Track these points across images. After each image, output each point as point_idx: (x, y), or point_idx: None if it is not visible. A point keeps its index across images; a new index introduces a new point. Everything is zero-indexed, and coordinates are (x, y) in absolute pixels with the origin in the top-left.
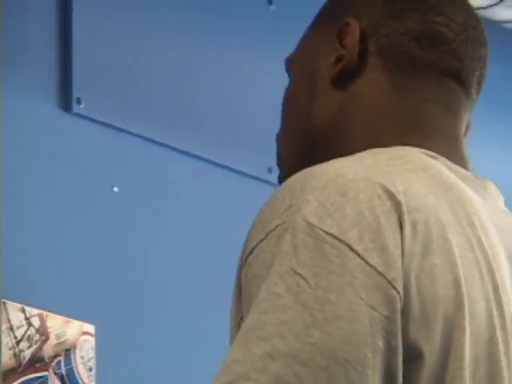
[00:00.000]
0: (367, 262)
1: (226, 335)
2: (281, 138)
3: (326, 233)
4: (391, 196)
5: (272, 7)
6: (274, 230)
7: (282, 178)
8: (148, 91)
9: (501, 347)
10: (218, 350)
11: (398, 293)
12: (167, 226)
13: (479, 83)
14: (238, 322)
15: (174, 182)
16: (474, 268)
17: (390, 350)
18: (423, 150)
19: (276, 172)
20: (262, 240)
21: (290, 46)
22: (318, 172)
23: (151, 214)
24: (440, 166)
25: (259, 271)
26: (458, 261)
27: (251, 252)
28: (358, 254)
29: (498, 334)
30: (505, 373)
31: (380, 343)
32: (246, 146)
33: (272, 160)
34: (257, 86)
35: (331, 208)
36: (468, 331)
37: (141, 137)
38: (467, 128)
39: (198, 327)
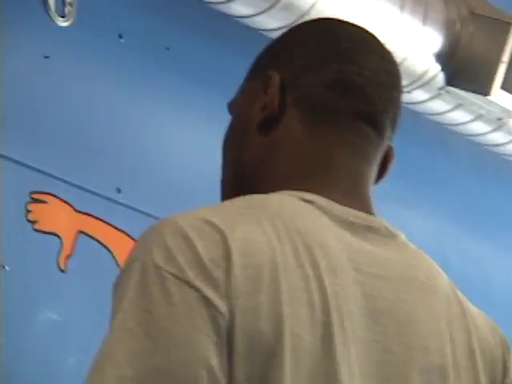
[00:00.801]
0: (204, 296)
1: None
2: (223, 170)
3: (169, 273)
4: (226, 243)
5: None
6: (132, 265)
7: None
8: None
9: (331, 375)
10: None
11: (227, 325)
12: None
13: (393, 121)
14: None
15: None
16: (304, 307)
17: (222, 370)
18: (301, 194)
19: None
20: (124, 271)
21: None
22: (172, 219)
23: None
24: (310, 210)
25: (115, 298)
26: (286, 300)
27: (118, 276)
28: (197, 289)
29: (326, 365)
30: None
31: (214, 363)
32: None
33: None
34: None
35: (175, 252)
36: (288, 364)
37: None
38: (386, 162)
39: None
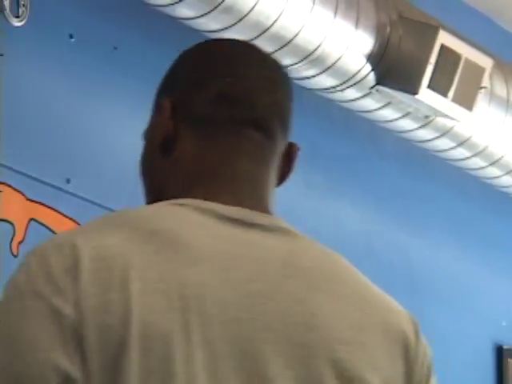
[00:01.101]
0: (51, 304)
1: None
2: (144, 194)
3: (26, 287)
4: (76, 254)
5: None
6: (6, 287)
7: None
8: None
9: (178, 360)
10: None
11: (75, 326)
12: None
13: (283, 122)
14: None
15: None
16: (159, 297)
17: (72, 366)
18: (180, 201)
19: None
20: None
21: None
22: (40, 245)
23: None
24: (178, 212)
25: None
26: (138, 293)
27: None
28: (46, 300)
29: (178, 349)
30: (179, 380)
31: (61, 362)
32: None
33: None
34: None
35: (34, 268)
36: (136, 349)
37: None
38: (289, 159)
39: None
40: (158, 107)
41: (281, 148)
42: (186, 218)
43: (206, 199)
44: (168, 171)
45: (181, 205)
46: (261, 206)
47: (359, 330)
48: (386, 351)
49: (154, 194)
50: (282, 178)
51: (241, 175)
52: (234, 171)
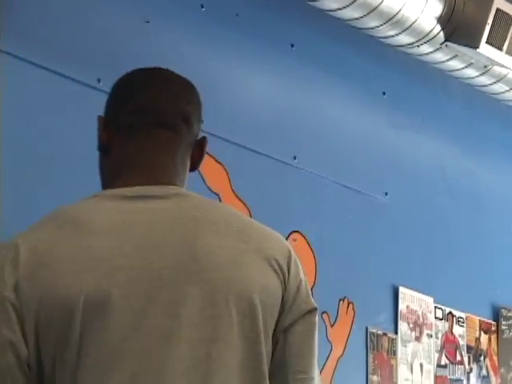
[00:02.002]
0: (1, 295)
1: None
2: None
3: None
4: (17, 250)
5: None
6: None
7: None
8: None
9: (112, 303)
10: None
11: (11, 304)
12: None
13: (186, 120)
14: None
15: None
16: (73, 265)
17: (20, 340)
18: (94, 194)
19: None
20: None
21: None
22: None
23: None
24: (91, 201)
25: None
26: (56, 267)
27: None
28: None
29: (99, 295)
30: (114, 315)
31: (12, 337)
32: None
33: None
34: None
35: None
36: (66, 311)
37: None
38: (200, 146)
39: None
40: (98, 123)
41: (188, 140)
42: (96, 205)
43: (120, 186)
44: (106, 168)
45: (94, 196)
46: (163, 182)
47: (239, 254)
48: (260, 268)
49: (103, 186)
50: (195, 163)
51: (148, 162)
52: (143, 160)
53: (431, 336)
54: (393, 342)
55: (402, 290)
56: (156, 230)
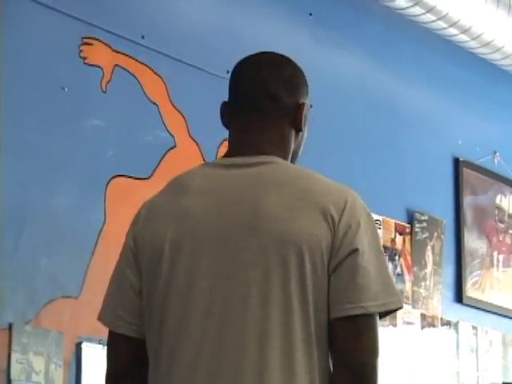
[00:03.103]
0: (126, 244)
1: None
2: None
3: (127, 234)
4: (140, 210)
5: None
6: None
7: None
8: None
9: (184, 248)
10: None
11: (132, 252)
12: None
13: (273, 98)
14: None
15: None
16: (171, 220)
17: (134, 278)
18: (204, 163)
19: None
20: None
21: None
22: None
23: None
24: (197, 168)
25: None
26: (160, 222)
27: None
28: (127, 241)
29: (183, 243)
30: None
31: (128, 274)
32: None
33: None
34: None
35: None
36: (167, 251)
37: None
38: (297, 110)
39: None
40: (220, 107)
41: (279, 115)
42: (198, 171)
43: (223, 157)
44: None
45: (202, 164)
46: (255, 152)
47: (294, 210)
48: (311, 220)
49: None
50: (297, 125)
51: (244, 141)
52: (241, 140)
53: None
54: None
55: None
56: (235, 193)
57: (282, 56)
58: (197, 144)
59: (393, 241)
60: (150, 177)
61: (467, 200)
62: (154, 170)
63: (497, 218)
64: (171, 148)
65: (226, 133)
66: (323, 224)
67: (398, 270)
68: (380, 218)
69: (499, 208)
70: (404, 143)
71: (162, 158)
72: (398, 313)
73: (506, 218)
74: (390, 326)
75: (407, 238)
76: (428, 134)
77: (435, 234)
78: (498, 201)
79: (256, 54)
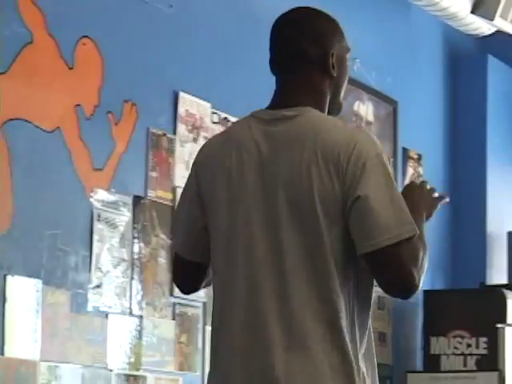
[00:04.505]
0: (190, 177)
1: None
2: None
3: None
4: (198, 152)
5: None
6: None
7: None
8: None
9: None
10: None
11: (194, 186)
12: None
13: (299, 53)
14: None
15: None
16: (225, 170)
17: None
18: (253, 112)
19: None
20: None
21: None
22: None
23: None
24: (247, 119)
25: None
26: (217, 170)
27: None
28: (190, 174)
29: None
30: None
31: (191, 210)
32: None
33: None
34: None
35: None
36: (222, 187)
37: None
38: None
39: None
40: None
41: (306, 68)
42: (243, 122)
43: (267, 109)
44: None
45: (251, 115)
46: (292, 103)
47: (303, 163)
48: (319, 172)
49: None
50: (328, 74)
51: (279, 95)
52: (277, 94)
53: (207, 138)
54: (171, 141)
55: (181, 94)
56: (264, 148)
57: (307, 10)
58: (54, 41)
59: None
60: (5, 71)
61: None
62: (11, 65)
63: (355, 124)
64: (28, 43)
65: (84, 30)
66: (334, 177)
67: None
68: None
69: (357, 114)
70: (263, 46)
71: (18, 53)
72: None
73: (363, 125)
74: None
75: None
76: None
77: None
78: (355, 107)
79: (288, 11)
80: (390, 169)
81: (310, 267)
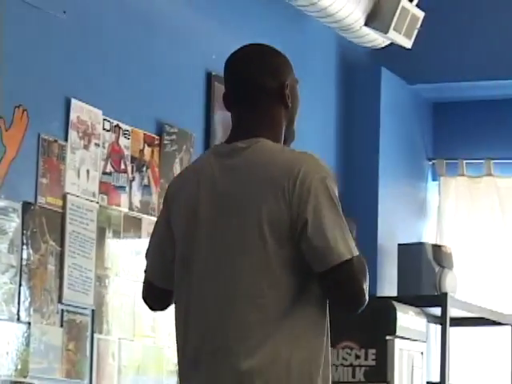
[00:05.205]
0: (163, 211)
1: None
2: None
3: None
4: (168, 189)
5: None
6: None
7: None
8: None
9: (200, 220)
10: None
11: (170, 219)
12: None
13: (258, 87)
14: None
15: None
16: (189, 201)
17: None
18: (215, 145)
19: None
20: None
21: None
22: None
23: None
24: (206, 154)
25: None
26: (181, 203)
27: None
28: (163, 204)
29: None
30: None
31: (163, 235)
32: None
33: None
34: None
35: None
36: (183, 218)
37: None
38: (281, 94)
39: None
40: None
41: (263, 99)
42: (205, 156)
43: (225, 142)
44: None
45: (209, 150)
46: (248, 135)
47: (254, 193)
48: (269, 193)
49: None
50: (284, 105)
51: (238, 127)
52: (235, 127)
53: (99, 145)
54: (63, 148)
55: (73, 101)
56: (224, 181)
57: (261, 47)
58: None
59: (141, 152)
60: None
61: (218, 115)
62: None
63: None
64: None
65: None
66: (281, 201)
67: (146, 181)
68: (129, 128)
69: None
70: (156, 54)
71: None
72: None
73: None
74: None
75: (156, 149)
76: (182, 46)
77: (184, 146)
78: None
79: (239, 48)
80: (336, 191)
81: (259, 290)
